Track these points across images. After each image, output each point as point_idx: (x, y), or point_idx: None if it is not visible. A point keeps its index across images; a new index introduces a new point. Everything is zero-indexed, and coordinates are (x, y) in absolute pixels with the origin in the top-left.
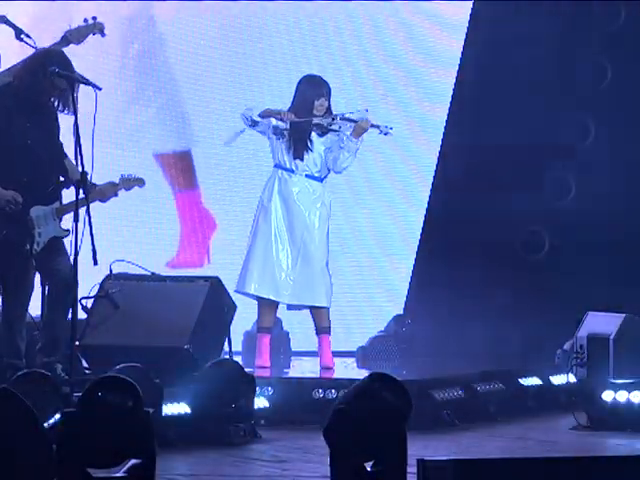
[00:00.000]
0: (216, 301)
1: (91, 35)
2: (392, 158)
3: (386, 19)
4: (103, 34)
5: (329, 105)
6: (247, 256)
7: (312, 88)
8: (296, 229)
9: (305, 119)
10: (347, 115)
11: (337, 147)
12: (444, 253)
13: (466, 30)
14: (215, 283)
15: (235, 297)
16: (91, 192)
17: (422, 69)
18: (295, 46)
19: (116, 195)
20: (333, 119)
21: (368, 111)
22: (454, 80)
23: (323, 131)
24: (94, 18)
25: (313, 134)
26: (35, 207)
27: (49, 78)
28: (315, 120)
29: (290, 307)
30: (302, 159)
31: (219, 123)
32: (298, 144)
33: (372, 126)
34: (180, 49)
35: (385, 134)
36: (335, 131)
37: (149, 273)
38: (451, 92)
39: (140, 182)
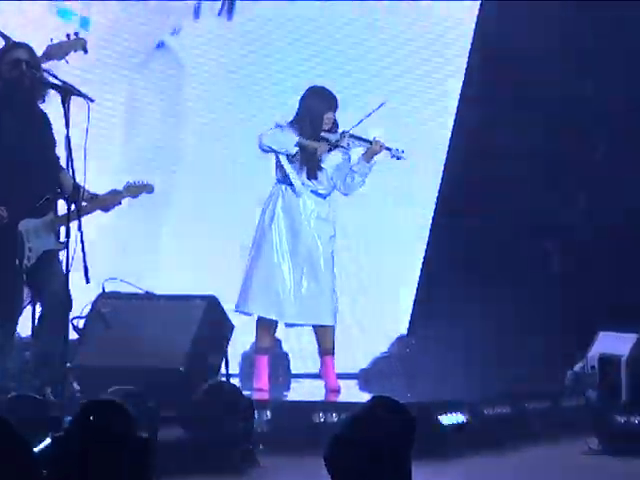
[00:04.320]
0: (213, 321)
1: (73, 52)
2: (397, 174)
3: (400, 18)
4: (85, 51)
5: (335, 118)
6: (248, 273)
7: (320, 101)
8: (300, 245)
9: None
10: (354, 131)
11: (347, 169)
12: (449, 272)
13: (476, 16)
14: (212, 302)
15: (232, 316)
16: (91, 202)
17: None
18: (304, 43)
19: (119, 204)
20: (341, 135)
21: (385, 104)
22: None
23: (330, 147)
24: (76, 34)
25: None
26: (24, 220)
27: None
28: (322, 135)
29: (289, 324)
30: (317, 178)
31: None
32: (310, 164)
33: (385, 149)
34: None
35: (398, 158)
36: (343, 148)
37: (143, 292)
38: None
39: (148, 188)
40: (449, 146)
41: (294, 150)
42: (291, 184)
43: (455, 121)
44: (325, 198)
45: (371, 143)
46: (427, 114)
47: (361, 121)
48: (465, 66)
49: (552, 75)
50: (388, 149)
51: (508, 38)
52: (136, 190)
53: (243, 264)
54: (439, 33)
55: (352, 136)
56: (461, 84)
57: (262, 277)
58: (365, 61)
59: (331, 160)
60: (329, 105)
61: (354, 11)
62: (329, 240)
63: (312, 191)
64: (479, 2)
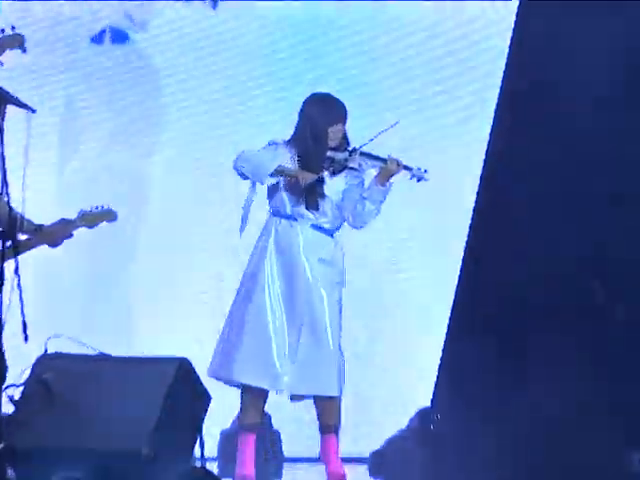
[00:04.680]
0: (184, 390)
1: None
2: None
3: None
4: (24, 49)
5: (345, 131)
6: (231, 331)
7: (324, 111)
8: (297, 295)
9: (318, 175)
10: (367, 148)
11: (357, 195)
12: (481, 329)
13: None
14: (183, 366)
15: (209, 384)
16: (35, 235)
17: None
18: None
19: (71, 236)
20: (351, 153)
21: (399, 123)
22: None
23: (337, 169)
24: (13, 28)
25: (324, 173)
26: None
27: None
28: (328, 153)
29: (294, 398)
30: (318, 209)
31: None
32: (310, 192)
33: (403, 168)
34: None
35: (419, 179)
36: (353, 169)
37: (96, 352)
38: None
39: (109, 216)
40: (480, 187)
41: (268, 180)
42: (287, 216)
43: (487, 150)
44: (331, 235)
45: (386, 162)
46: (453, 138)
47: (372, 139)
48: (500, 85)
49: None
50: (407, 168)
51: (548, 58)
52: (93, 219)
53: (222, 317)
54: (469, 40)
55: (364, 154)
56: (494, 108)
57: (250, 335)
58: (376, 71)
59: (337, 185)
60: (336, 116)
61: (365, 10)
62: (334, 288)
63: (313, 225)
64: (516, 5)
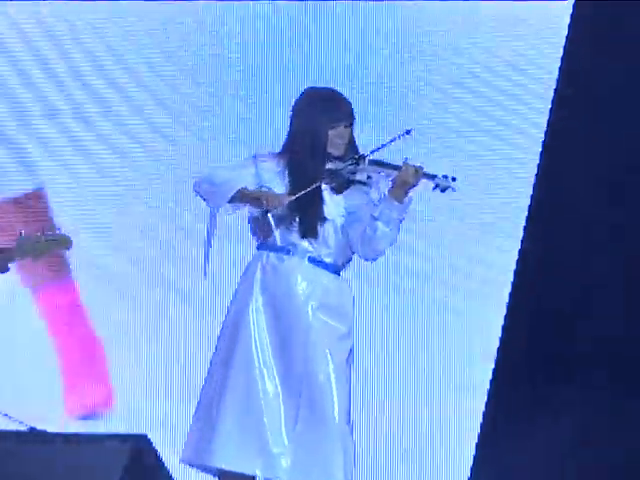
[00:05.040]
0: (142, 475)
1: None
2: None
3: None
4: None
5: (352, 137)
6: (210, 403)
7: (324, 110)
8: (295, 352)
9: (295, 196)
10: (377, 155)
11: (367, 215)
12: (527, 392)
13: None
14: (140, 445)
15: (175, 469)
16: None
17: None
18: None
19: (6, 270)
20: (357, 162)
21: (411, 132)
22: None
23: (341, 184)
24: None
25: (323, 187)
26: None
27: None
28: (328, 165)
29: None
30: (316, 237)
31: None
32: (306, 214)
33: (424, 176)
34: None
35: (443, 190)
36: (362, 183)
37: (27, 428)
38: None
39: (62, 244)
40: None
41: (228, 208)
42: (276, 249)
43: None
44: (336, 271)
45: (401, 170)
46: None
47: (384, 145)
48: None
49: None
50: (429, 177)
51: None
52: (40, 247)
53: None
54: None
55: (373, 162)
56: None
57: (234, 407)
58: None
59: (341, 204)
60: (338, 115)
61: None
62: (340, 343)
63: (311, 259)
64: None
